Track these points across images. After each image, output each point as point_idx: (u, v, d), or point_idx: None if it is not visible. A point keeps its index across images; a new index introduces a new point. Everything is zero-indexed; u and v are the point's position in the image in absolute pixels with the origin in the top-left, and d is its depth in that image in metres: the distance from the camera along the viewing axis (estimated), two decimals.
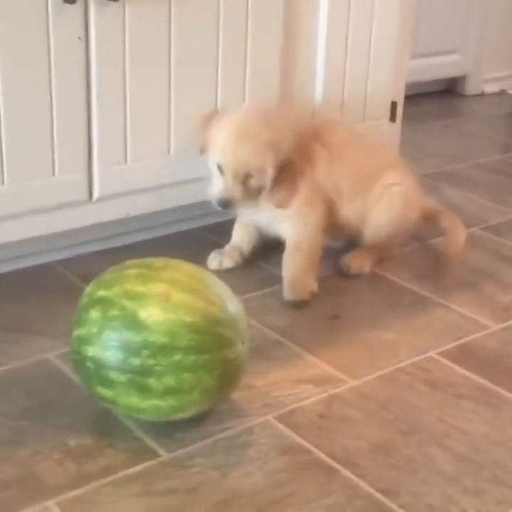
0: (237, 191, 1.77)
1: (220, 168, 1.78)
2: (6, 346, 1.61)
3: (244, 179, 1.77)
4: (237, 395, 1.46)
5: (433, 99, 3.51)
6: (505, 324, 1.77)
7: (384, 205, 1.93)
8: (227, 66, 1.98)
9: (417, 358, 1.64)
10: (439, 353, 1.66)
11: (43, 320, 1.70)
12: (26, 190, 1.76)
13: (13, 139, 1.71)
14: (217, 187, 1.80)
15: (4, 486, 1.26)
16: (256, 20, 1.98)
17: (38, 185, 1.78)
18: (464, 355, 1.65)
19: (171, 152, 1.95)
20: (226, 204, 1.79)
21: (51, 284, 1.86)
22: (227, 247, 1.99)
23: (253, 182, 1.78)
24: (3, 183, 1.73)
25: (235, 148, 1.76)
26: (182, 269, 1.40)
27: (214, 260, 1.96)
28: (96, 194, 1.87)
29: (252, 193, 1.79)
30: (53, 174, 1.79)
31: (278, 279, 1.89)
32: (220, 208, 1.80)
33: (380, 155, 2.03)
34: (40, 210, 1.80)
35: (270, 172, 1.76)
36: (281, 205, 1.82)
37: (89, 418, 1.42)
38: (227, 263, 1.96)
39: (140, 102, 1.86)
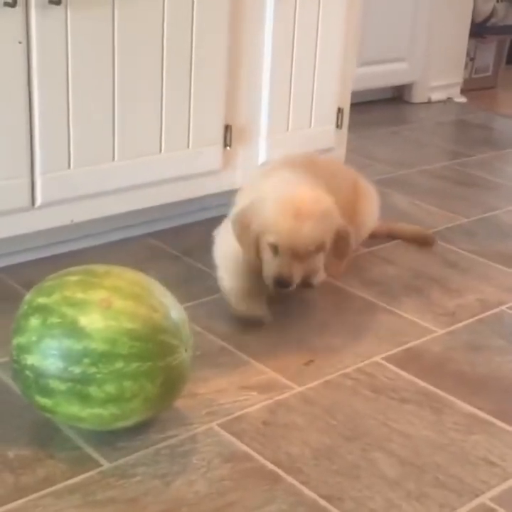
0: (296, 271, 1.69)
1: (275, 247, 1.68)
2: None
3: (304, 257, 1.70)
4: (180, 403, 1.45)
5: (380, 106, 3.54)
6: (449, 329, 1.78)
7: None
8: (172, 70, 1.96)
9: (362, 363, 1.64)
10: (384, 358, 1.66)
11: None
12: None
13: None
14: (273, 267, 1.69)
15: None
16: (201, 22, 1.98)
17: None
18: (408, 360, 1.66)
19: (116, 158, 1.93)
20: (285, 284, 1.69)
21: None
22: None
23: (312, 258, 1.72)
24: None
25: (296, 229, 1.66)
26: (125, 276, 1.38)
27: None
28: (39, 200, 1.84)
29: (310, 269, 1.75)
30: None
31: None
32: (277, 289, 1.71)
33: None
34: None
35: (328, 245, 1.71)
36: (334, 274, 1.80)
37: (29, 428, 1.39)
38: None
39: (83, 107, 1.84)
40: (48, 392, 1.30)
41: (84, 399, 1.29)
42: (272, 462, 1.35)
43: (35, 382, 1.31)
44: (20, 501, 1.23)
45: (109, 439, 1.36)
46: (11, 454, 1.33)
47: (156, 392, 1.32)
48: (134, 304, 1.32)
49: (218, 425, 1.43)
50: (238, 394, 1.52)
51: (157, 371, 1.31)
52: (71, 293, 1.32)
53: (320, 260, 1.76)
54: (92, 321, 1.28)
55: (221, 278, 1.81)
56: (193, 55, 1.99)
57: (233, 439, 1.40)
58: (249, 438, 1.40)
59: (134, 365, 1.29)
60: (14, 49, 1.71)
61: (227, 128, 2.12)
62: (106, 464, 1.32)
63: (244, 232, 1.73)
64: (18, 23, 1.69)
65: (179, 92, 2.00)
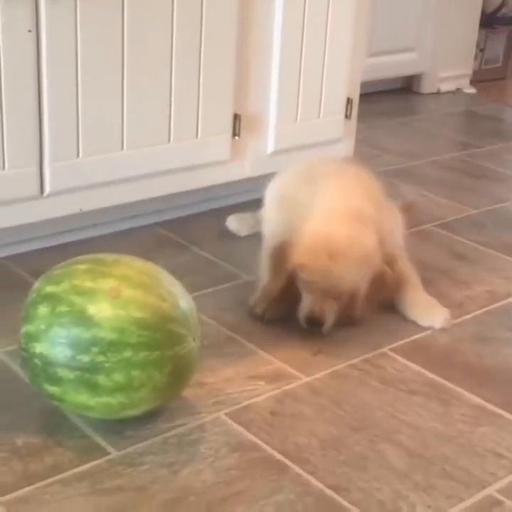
0: (326, 310, 1.63)
1: (306, 284, 1.64)
2: None
3: (336, 298, 1.63)
4: (188, 392, 1.45)
5: (389, 97, 3.52)
6: (457, 320, 1.78)
7: None
8: (181, 59, 1.96)
9: (370, 354, 1.64)
10: (391, 350, 1.66)
11: None
12: None
13: None
14: (305, 304, 1.64)
15: None
16: (211, 11, 1.97)
17: None
18: (416, 352, 1.66)
19: (125, 147, 1.93)
20: (314, 323, 1.63)
21: (0, 280, 1.83)
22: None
23: (345, 300, 1.64)
24: None
25: (326, 269, 1.60)
26: (134, 265, 1.38)
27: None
28: (47, 189, 1.84)
29: (341, 311, 1.65)
30: (3, 168, 1.76)
31: (233, 277, 1.89)
32: (308, 327, 1.65)
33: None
34: None
35: (363, 290, 1.64)
36: (362, 316, 1.69)
37: (37, 416, 1.39)
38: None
39: (93, 96, 1.84)
40: (56, 380, 1.30)
41: (93, 387, 1.29)
42: (280, 452, 1.35)
43: (44, 370, 1.31)
44: (28, 488, 1.23)
45: (117, 427, 1.37)
46: (19, 441, 1.33)
47: (164, 381, 1.32)
48: (142, 293, 1.32)
49: (226, 415, 1.43)
50: (246, 384, 1.52)
51: (165, 360, 1.31)
52: (80, 281, 1.32)
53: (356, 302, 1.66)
54: (100, 309, 1.29)
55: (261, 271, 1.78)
56: (203, 45, 1.99)
57: (241, 429, 1.40)
58: (257, 428, 1.40)
59: (142, 354, 1.29)
60: (24, 38, 1.71)
61: (236, 117, 2.11)
62: (114, 453, 1.32)
63: (279, 265, 1.66)
64: (27, 11, 1.69)
65: (188, 81, 1.99)
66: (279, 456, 1.34)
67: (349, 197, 1.72)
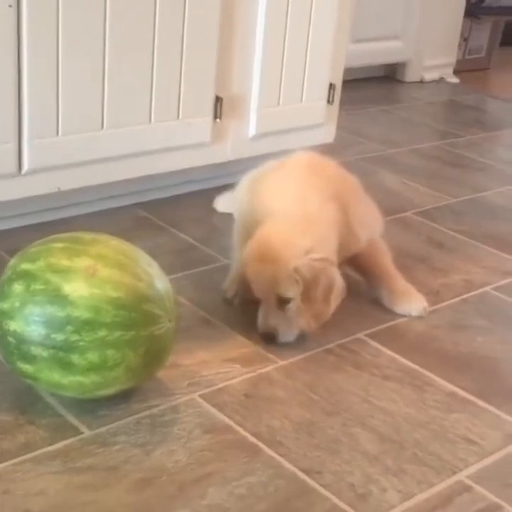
0: (277, 322, 1.58)
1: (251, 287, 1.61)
2: None
3: (280, 305, 1.57)
4: (163, 374, 1.45)
5: (372, 84, 3.52)
6: (433, 308, 1.78)
7: None
8: (163, 39, 1.95)
9: (345, 339, 1.64)
10: (367, 335, 1.66)
11: None
12: None
13: None
14: (259, 315, 1.61)
15: None
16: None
17: None
18: (391, 338, 1.66)
19: (105, 126, 1.91)
20: (269, 339, 1.59)
21: None
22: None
23: (292, 306, 1.57)
24: None
25: (258, 272, 1.58)
26: (110, 244, 1.37)
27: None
28: (25, 166, 1.83)
29: (293, 319, 1.58)
30: None
31: (210, 260, 1.89)
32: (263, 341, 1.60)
33: None
34: None
35: (297, 295, 1.55)
36: (308, 328, 1.60)
37: (10, 394, 1.39)
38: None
39: (73, 73, 1.82)
40: (29, 358, 1.30)
41: (66, 366, 1.28)
42: (253, 434, 1.35)
43: (17, 348, 1.30)
44: (0, 465, 1.23)
45: (90, 407, 1.36)
46: None
47: (139, 361, 1.31)
48: (118, 273, 1.31)
49: (200, 396, 1.43)
50: (221, 366, 1.52)
51: (140, 340, 1.30)
52: (56, 260, 1.31)
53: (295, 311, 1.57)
54: (76, 288, 1.28)
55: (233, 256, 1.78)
56: (185, 25, 1.97)
57: (214, 411, 1.40)
58: (231, 410, 1.40)
59: (117, 334, 1.28)
60: (4, 13, 1.69)
61: (218, 100, 2.10)
62: (87, 432, 1.32)
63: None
64: None
65: (170, 61, 1.98)
66: (252, 439, 1.34)
67: (304, 199, 1.66)
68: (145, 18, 1.90)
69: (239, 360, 1.55)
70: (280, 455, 1.31)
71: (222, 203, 2.13)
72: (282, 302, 1.57)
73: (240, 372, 1.51)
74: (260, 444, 1.33)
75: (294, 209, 1.64)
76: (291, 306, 1.57)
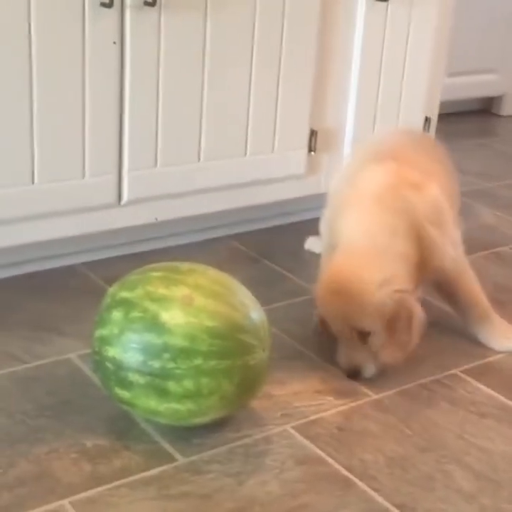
0: (359, 355, 1.56)
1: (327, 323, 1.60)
2: (29, 344, 1.62)
3: (361, 339, 1.55)
4: (256, 404, 1.46)
5: (469, 118, 3.48)
6: None
7: None
8: (260, 74, 1.98)
9: (440, 375, 1.62)
10: (462, 371, 1.63)
11: (67, 320, 1.71)
12: (56, 191, 1.78)
13: (45, 139, 1.73)
14: (338, 352, 1.60)
15: (19, 483, 1.26)
16: (291, 28, 1.98)
17: (68, 187, 1.79)
18: (488, 374, 1.63)
19: (201, 158, 1.95)
20: (354, 375, 1.57)
21: (76, 285, 1.86)
22: None
23: (375, 340, 1.55)
24: (33, 182, 1.74)
25: (339, 312, 1.55)
26: (207, 274, 1.39)
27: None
28: (125, 197, 1.88)
29: (376, 353, 1.56)
30: (83, 176, 1.80)
31: (304, 292, 1.89)
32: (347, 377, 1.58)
33: None
34: (69, 212, 1.82)
35: (380, 328, 1.53)
36: (390, 363, 1.58)
37: (107, 419, 1.41)
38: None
39: (173, 107, 1.87)
40: (127, 384, 1.32)
41: (162, 393, 1.30)
42: (345, 468, 1.34)
43: (115, 374, 1.33)
44: (96, 489, 1.25)
45: (184, 434, 1.38)
46: (88, 443, 1.35)
47: (233, 390, 1.32)
48: (215, 302, 1.33)
49: (293, 428, 1.43)
50: (313, 398, 1.52)
51: (235, 370, 1.31)
52: (154, 288, 1.34)
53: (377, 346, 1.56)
54: (173, 316, 1.30)
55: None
56: (282, 60, 2.00)
57: (307, 443, 1.39)
58: (324, 442, 1.40)
59: (212, 363, 1.30)
60: (109, 49, 1.75)
61: (313, 133, 2.12)
62: (181, 459, 1.33)
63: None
64: (113, 23, 1.73)
65: (266, 96, 2.01)
66: (344, 472, 1.33)
67: (373, 231, 1.62)
68: (243, 54, 1.94)
69: (331, 393, 1.54)
70: (373, 489, 1.29)
71: (313, 244, 2.11)
72: (363, 336, 1.55)
73: (333, 405, 1.50)
74: (353, 478, 1.32)
75: (364, 241, 1.61)
76: (374, 339, 1.55)
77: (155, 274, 1.38)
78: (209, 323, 1.30)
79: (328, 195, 1.86)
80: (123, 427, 1.40)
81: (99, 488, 1.26)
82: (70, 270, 1.93)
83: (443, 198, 1.71)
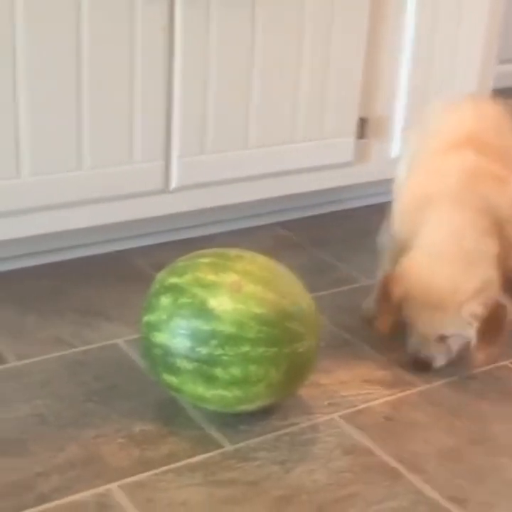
0: (435, 349, 1.54)
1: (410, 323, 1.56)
2: (78, 329, 1.63)
3: (440, 340, 1.53)
4: (303, 392, 1.45)
5: None
6: None
7: None
8: (309, 61, 1.96)
9: (491, 366, 1.59)
10: None
11: (115, 306, 1.72)
12: (104, 177, 1.78)
13: (94, 124, 1.73)
14: (411, 341, 1.56)
15: (70, 466, 1.27)
16: (341, 14, 1.96)
17: (116, 173, 1.79)
18: None
19: (249, 145, 1.94)
20: (423, 366, 1.55)
21: (124, 271, 1.87)
22: None
23: (452, 341, 1.54)
24: (81, 168, 1.75)
25: (425, 315, 1.51)
26: (256, 261, 1.38)
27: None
28: (173, 184, 1.88)
29: (452, 351, 1.55)
30: (131, 162, 1.80)
31: (352, 280, 1.88)
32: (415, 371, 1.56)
33: None
34: (117, 198, 1.82)
35: (473, 333, 1.49)
36: (480, 363, 1.54)
37: (154, 405, 1.42)
38: None
39: (221, 95, 1.86)
40: (174, 370, 1.32)
41: (210, 380, 1.30)
42: (394, 458, 1.32)
43: (163, 360, 1.33)
44: (144, 474, 1.25)
45: (231, 421, 1.37)
46: (136, 428, 1.36)
47: (280, 378, 1.32)
48: (263, 289, 1.32)
49: (340, 417, 1.42)
50: (361, 387, 1.51)
51: (282, 357, 1.30)
52: (203, 274, 1.33)
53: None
54: (221, 303, 1.29)
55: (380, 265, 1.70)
56: (331, 48, 1.98)
57: (355, 432, 1.38)
58: (371, 432, 1.38)
59: (260, 350, 1.29)
60: (159, 35, 1.74)
61: (363, 120, 2.10)
62: (227, 446, 1.33)
63: (385, 299, 1.55)
64: (163, 9, 1.73)
65: (315, 83, 1.99)
66: (393, 463, 1.32)
67: (462, 230, 1.56)
68: (292, 41, 1.92)
69: (379, 382, 1.52)
70: (422, 481, 1.28)
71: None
72: (443, 337, 1.53)
73: (381, 395, 1.49)
74: (401, 469, 1.30)
75: (450, 242, 1.55)
76: (451, 341, 1.53)
77: (204, 260, 1.37)
78: (257, 310, 1.30)
79: (394, 185, 1.76)
80: (170, 412, 1.40)
81: (147, 473, 1.26)
82: (117, 256, 1.93)
83: None
